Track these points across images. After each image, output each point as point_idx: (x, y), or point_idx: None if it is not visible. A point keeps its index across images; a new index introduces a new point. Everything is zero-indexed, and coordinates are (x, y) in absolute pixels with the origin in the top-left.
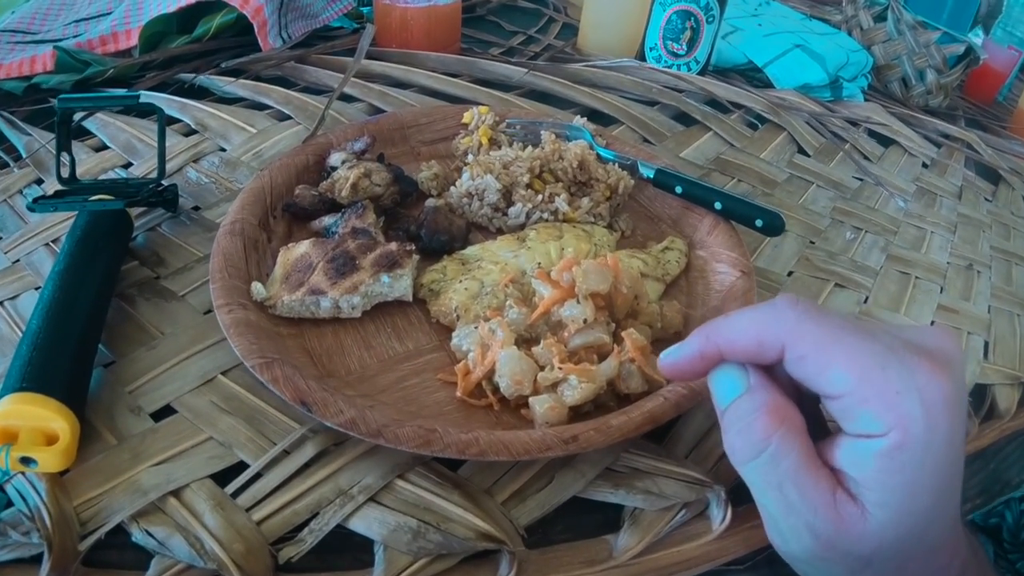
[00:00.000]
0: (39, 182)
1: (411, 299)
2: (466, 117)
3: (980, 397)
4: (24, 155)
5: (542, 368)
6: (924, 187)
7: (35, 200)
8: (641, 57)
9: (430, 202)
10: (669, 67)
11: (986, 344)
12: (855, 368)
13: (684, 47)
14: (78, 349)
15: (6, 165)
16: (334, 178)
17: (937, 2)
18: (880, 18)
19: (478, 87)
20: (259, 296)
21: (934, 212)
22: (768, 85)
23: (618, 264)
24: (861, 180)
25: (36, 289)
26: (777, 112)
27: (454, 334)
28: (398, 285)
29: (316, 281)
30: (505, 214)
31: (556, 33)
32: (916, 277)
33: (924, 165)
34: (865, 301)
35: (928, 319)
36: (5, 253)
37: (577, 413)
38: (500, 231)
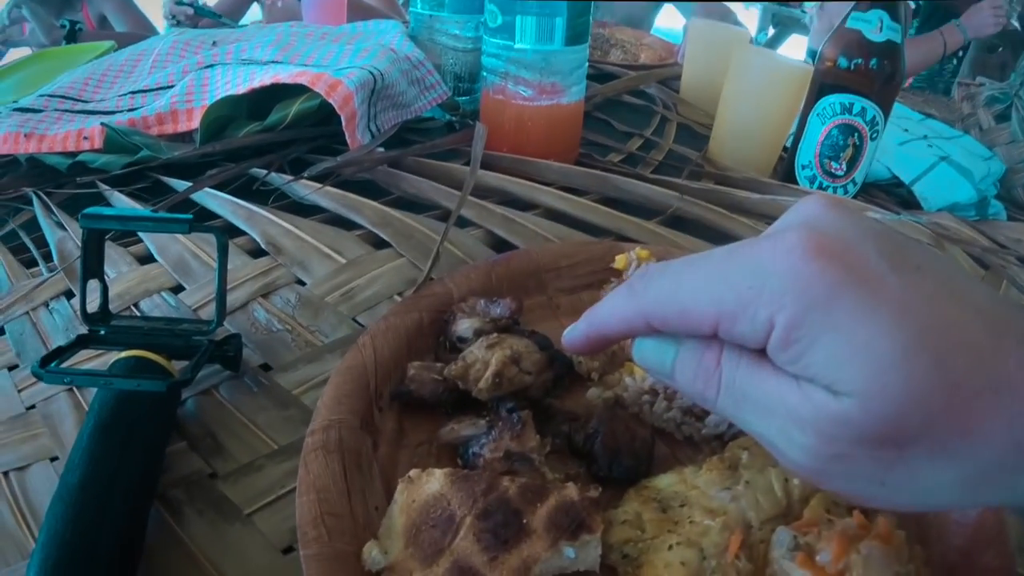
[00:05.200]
0: (70, 295)
1: (597, 570)
2: (619, 262)
3: None
4: (56, 258)
5: None
6: None
7: (43, 363)
8: (786, 175)
9: (593, 394)
10: (824, 189)
11: None
12: (706, 305)
13: (843, 167)
14: None
15: (35, 263)
16: (467, 360)
17: None
18: (1002, 117)
19: (614, 212)
20: (376, 566)
21: None
22: (911, 202)
23: (892, 535)
24: None
25: (52, 461)
26: (941, 243)
27: None
28: (585, 556)
29: (465, 552)
30: (699, 419)
31: (674, 136)
32: None
33: None
34: None
35: None
36: (19, 391)
37: None
38: (689, 439)
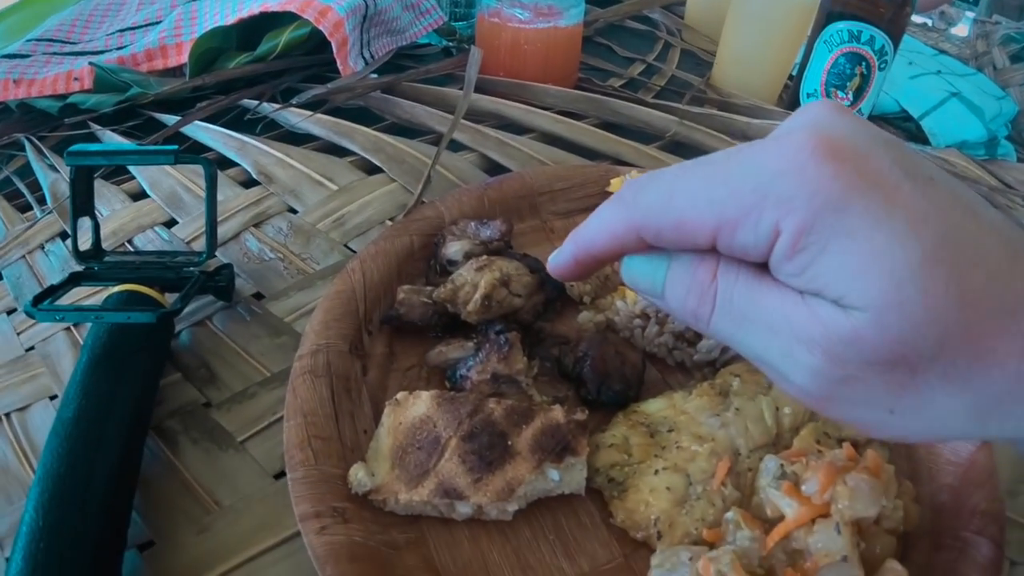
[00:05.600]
0: (64, 236)
1: (583, 492)
2: (614, 185)
3: None
4: (49, 200)
5: None
6: None
7: (35, 302)
8: (792, 103)
9: (584, 318)
10: None
11: None
12: (704, 212)
13: (850, 96)
14: (97, 561)
15: (29, 207)
16: (455, 282)
17: None
18: (1017, 57)
19: (611, 135)
20: (362, 488)
21: None
22: (919, 137)
23: (881, 469)
24: None
25: (51, 399)
26: None
27: (655, 562)
28: (570, 479)
29: (449, 473)
30: (692, 344)
31: (677, 61)
32: None
33: None
34: None
35: None
36: (18, 334)
37: None
38: (680, 365)
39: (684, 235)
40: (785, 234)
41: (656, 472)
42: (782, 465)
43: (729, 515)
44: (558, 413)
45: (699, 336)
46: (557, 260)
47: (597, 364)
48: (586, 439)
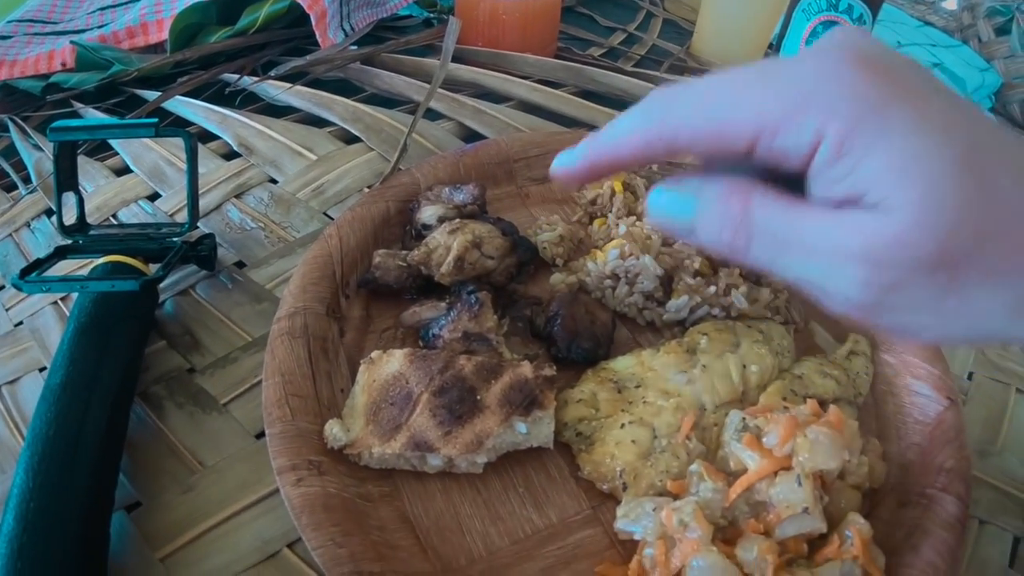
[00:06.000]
0: (50, 213)
1: (551, 446)
2: None
3: None
4: (34, 178)
5: None
6: None
7: (22, 275)
8: None
9: (556, 279)
10: None
11: None
12: (745, 115)
13: None
14: (86, 519)
15: (15, 187)
16: (429, 245)
17: None
18: (1003, 30)
19: (588, 103)
20: (337, 443)
21: None
22: None
23: (843, 423)
24: None
25: (40, 371)
26: None
27: (620, 512)
28: (537, 432)
29: (420, 427)
30: (661, 304)
31: (659, 31)
32: None
33: None
34: None
35: None
36: (7, 310)
37: None
38: (651, 324)
39: (723, 139)
40: (830, 137)
41: (622, 426)
42: (744, 418)
43: (693, 467)
44: (526, 369)
45: (668, 295)
46: (565, 160)
47: (567, 323)
48: (553, 393)
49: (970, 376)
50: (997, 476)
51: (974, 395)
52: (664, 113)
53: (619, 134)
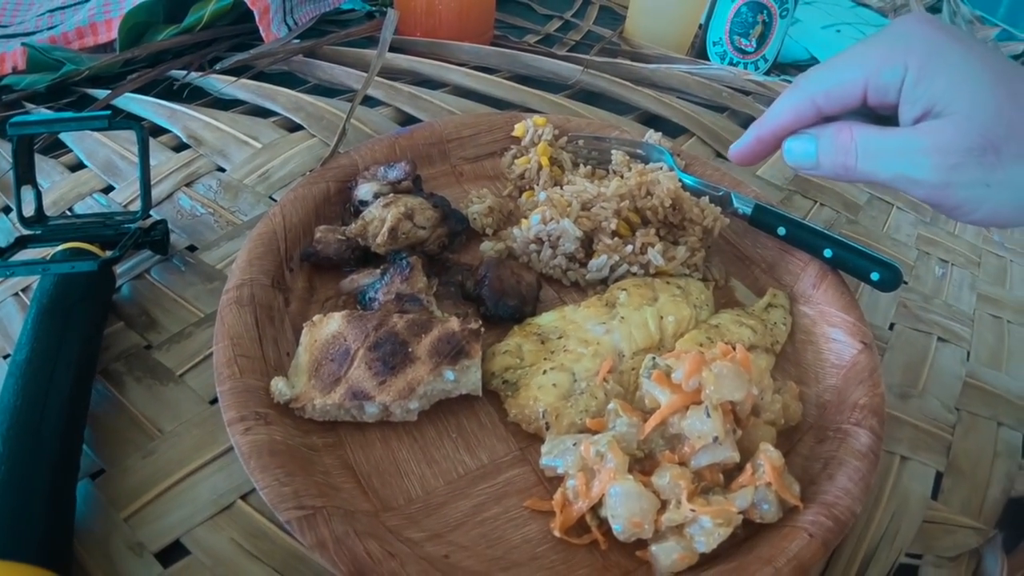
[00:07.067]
0: (7, 210)
1: (480, 394)
2: (518, 130)
3: None
4: None
5: (664, 503)
6: None
7: None
8: (701, 52)
9: (486, 247)
10: (735, 65)
11: None
12: (857, 71)
13: (753, 43)
14: (53, 482)
15: None
16: (365, 219)
17: None
18: (934, 10)
19: (521, 87)
20: (282, 398)
21: (1008, 235)
22: None
23: (749, 361)
24: None
25: (4, 359)
26: None
27: (544, 450)
28: (465, 380)
29: (357, 379)
30: (583, 265)
31: (595, 18)
32: (1008, 321)
33: None
34: (967, 358)
35: None
36: None
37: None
38: (575, 285)
39: (846, 92)
40: (911, 69)
41: (544, 372)
42: (654, 358)
43: (611, 406)
44: (454, 323)
45: (589, 256)
46: (739, 146)
47: (494, 283)
48: (479, 344)
49: (891, 327)
50: (918, 416)
51: (895, 343)
52: (806, 86)
53: (777, 111)
